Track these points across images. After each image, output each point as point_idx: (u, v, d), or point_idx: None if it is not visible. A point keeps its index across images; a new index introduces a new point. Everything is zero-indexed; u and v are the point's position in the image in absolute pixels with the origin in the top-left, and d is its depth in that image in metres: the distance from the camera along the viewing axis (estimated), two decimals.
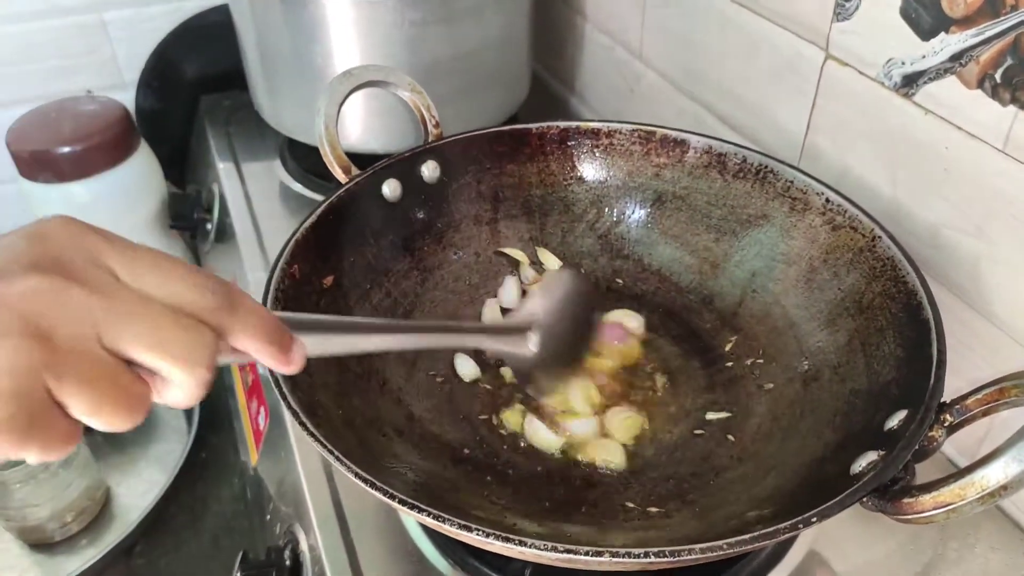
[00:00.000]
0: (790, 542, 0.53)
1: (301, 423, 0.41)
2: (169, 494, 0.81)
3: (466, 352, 0.59)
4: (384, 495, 0.37)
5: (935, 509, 0.35)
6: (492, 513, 0.46)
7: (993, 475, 0.33)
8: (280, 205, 0.90)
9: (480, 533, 0.36)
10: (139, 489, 0.83)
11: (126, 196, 0.89)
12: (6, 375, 0.25)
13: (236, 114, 1.03)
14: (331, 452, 0.39)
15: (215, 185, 0.93)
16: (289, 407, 0.42)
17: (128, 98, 1.07)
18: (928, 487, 0.36)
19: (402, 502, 0.37)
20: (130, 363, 0.28)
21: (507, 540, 0.36)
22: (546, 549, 0.35)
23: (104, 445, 0.88)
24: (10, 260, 0.27)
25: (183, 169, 1.11)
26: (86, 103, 0.89)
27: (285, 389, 0.43)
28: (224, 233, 0.91)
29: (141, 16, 1.03)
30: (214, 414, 0.90)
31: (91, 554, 0.77)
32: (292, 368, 0.32)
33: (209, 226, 0.92)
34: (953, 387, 0.43)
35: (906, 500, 0.36)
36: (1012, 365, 0.52)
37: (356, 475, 0.38)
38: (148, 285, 0.29)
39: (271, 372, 0.43)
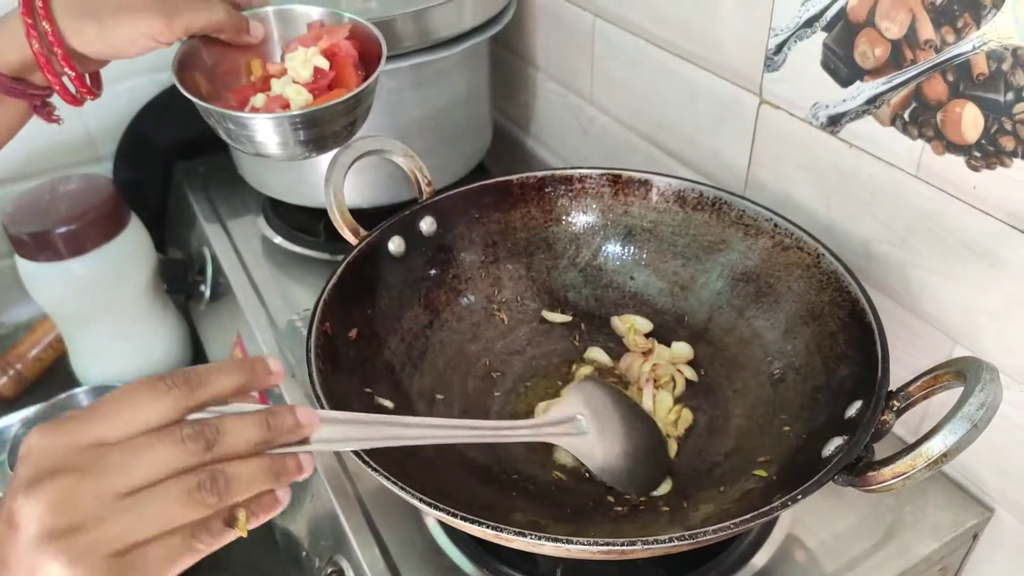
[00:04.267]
0: (770, 527, 0.62)
1: (364, 462, 0.47)
2: None
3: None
4: (448, 514, 0.45)
5: (893, 478, 0.44)
6: (527, 521, 0.53)
7: (935, 446, 0.42)
8: (267, 261, 0.96)
9: (533, 537, 0.43)
10: None
11: (121, 267, 0.93)
12: None
13: (213, 178, 1.09)
14: (395, 483, 0.46)
15: (204, 248, 0.99)
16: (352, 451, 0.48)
17: (104, 171, 1.11)
18: (886, 461, 0.44)
19: (464, 519, 0.44)
20: None
21: (555, 541, 0.43)
22: (589, 544, 0.43)
23: None
24: (15, 489, 0.33)
25: (161, 234, 1.16)
26: (76, 182, 0.93)
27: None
28: (218, 293, 0.97)
29: (114, 92, 1.07)
30: None
31: None
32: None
33: (203, 287, 0.97)
34: (895, 375, 0.52)
35: (870, 474, 0.45)
36: (941, 350, 0.62)
37: (421, 500, 0.45)
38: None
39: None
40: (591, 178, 0.73)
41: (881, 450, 0.48)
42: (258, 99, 0.63)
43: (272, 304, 0.88)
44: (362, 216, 0.69)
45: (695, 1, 0.73)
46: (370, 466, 0.47)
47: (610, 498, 0.58)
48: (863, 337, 0.55)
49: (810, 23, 0.62)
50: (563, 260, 0.74)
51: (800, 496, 0.44)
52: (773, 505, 0.44)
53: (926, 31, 0.54)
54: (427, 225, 0.69)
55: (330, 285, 0.61)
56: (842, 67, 0.61)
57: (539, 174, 0.73)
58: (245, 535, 0.37)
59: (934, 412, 0.62)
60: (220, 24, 0.59)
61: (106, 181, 0.94)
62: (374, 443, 0.44)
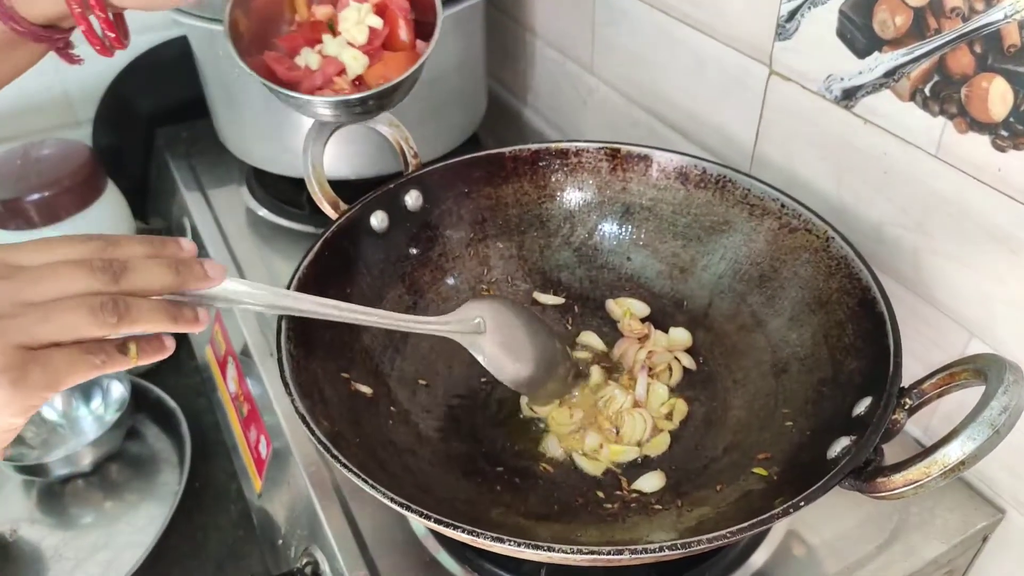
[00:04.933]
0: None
1: (333, 456, 0.44)
2: (169, 525, 0.82)
3: None
4: (420, 516, 0.41)
5: (905, 486, 0.40)
6: (510, 520, 0.50)
7: (953, 453, 0.39)
8: (251, 233, 0.92)
9: (512, 544, 0.40)
10: (139, 524, 0.85)
11: None
12: None
13: (196, 145, 1.05)
14: (364, 480, 0.43)
15: (185, 219, 0.95)
16: (319, 441, 0.45)
17: (83, 136, 1.07)
18: (897, 467, 0.41)
19: (438, 521, 0.41)
20: None
21: (536, 547, 0.40)
22: (572, 552, 0.40)
23: (100, 481, 0.89)
24: None
25: (144, 203, 1.12)
26: (51, 147, 0.89)
27: (312, 424, 0.46)
28: None
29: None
30: (204, 443, 0.92)
31: None
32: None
33: None
34: (907, 367, 0.48)
35: (879, 480, 0.41)
36: (956, 343, 0.58)
37: (392, 500, 0.42)
38: None
39: (296, 409, 0.47)
40: (588, 152, 0.68)
41: (890, 449, 0.45)
42: (311, 58, 0.60)
43: (254, 278, 0.84)
44: (349, 188, 0.65)
45: None
46: (340, 461, 0.44)
47: (600, 494, 0.54)
48: (874, 328, 0.52)
49: None
50: (557, 239, 0.70)
51: (803, 503, 0.41)
52: (773, 512, 0.41)
53: None
54: (412, 199, 0.65)
55: (305, 263, 0.57)
56: (859, 36, 0.57)
57: (533, 147, 0.68)
58: (136, 364, 0.40)
59: (945, 409, 0.59)
60: None
61: (82, 147, 0.90)
62: (271, 310, 0.46)
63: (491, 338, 0.56)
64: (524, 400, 0.61)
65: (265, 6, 0.61)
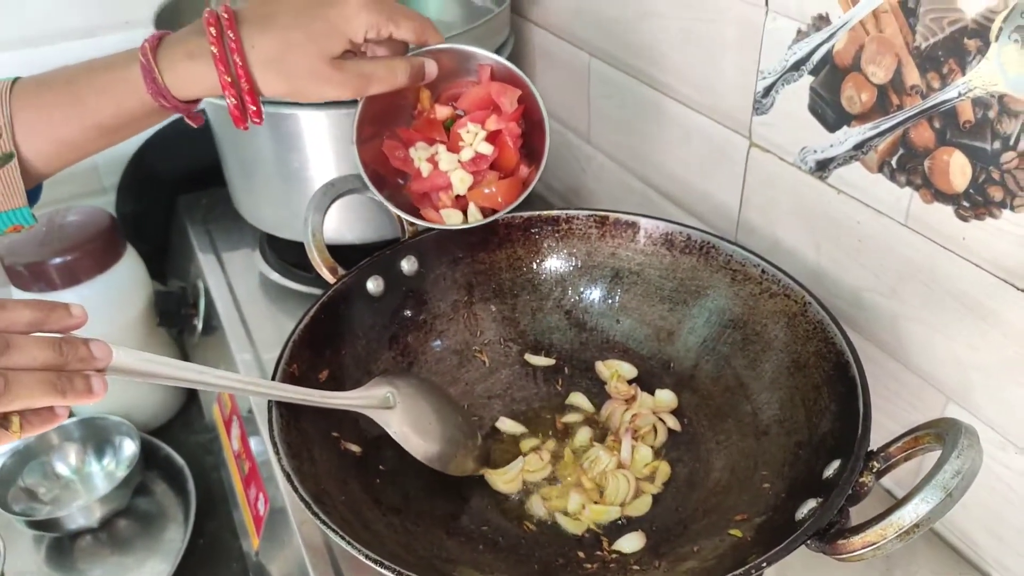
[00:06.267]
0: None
1: (314, 513, 0.46)
2: None
3: None
4: (392, 572, 0.43)
5: (864, 548, 0.41)
6: None
7: (907, 516, 0.40)
8: (263, 296, 0.95)
9: None
10: None
11: (115, 299, 0.94)
12: None
13: (213, 211, 1.09)
14: (342, 536, 0.45)
15: (199, 281, 0.99)
16: (302, 499, 0.47)
17: (108, 202, 1.12)
18: (856, 529, 0.42)
19: None
20: None
21: None
22: None
23: (108, 537, 0.91)
24: None
25: (164, 265, 1.16)
26: (74, 214, 0.94)
27: (296, 482, 0.48)
28: (210, 327, 0.96)
29: None
30: (209, 500, 0.94)
31: None
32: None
33: (196, 321, 0.97)
34: (887, 429, 0.50)
35: (840, 541, 0.42)
36: (934, 407, 0.59)
37: (366, 556, 0.43)
38: None
39: (281, 467, 0.49)
40: (578, 219, 0.71)
41: (870, 505, 0.46)
42: (424, 165, 0.63)
43: (263, 340, 0.87)
44: (353, 252, 0.68)
45: (686, 41, 0.71)
46: (319, 518, 0.46)
47: (580, 554, 0.55)
48: (847, 392, 0.53)
49: (797, 66, 0.61)
50: (548, 302, 0.73)
51: (765, 564, 0.42)
52: (736, 573, 0.42)
53: (912, 76, 0.52)
54: (409, 264, 0.68)
55: (301, 326, 0.60)
56: (829, 112, 0.60)
57: (525, 214, 0.71)
58: (18, 439, 0.40)
59: (928, 467, 0.60)
60: (402, 87, 0.59)
61: (103, 213, 0.95)
62: (169, 381, 0.45)
63: (400, 413, 0.57)
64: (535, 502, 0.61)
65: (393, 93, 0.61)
